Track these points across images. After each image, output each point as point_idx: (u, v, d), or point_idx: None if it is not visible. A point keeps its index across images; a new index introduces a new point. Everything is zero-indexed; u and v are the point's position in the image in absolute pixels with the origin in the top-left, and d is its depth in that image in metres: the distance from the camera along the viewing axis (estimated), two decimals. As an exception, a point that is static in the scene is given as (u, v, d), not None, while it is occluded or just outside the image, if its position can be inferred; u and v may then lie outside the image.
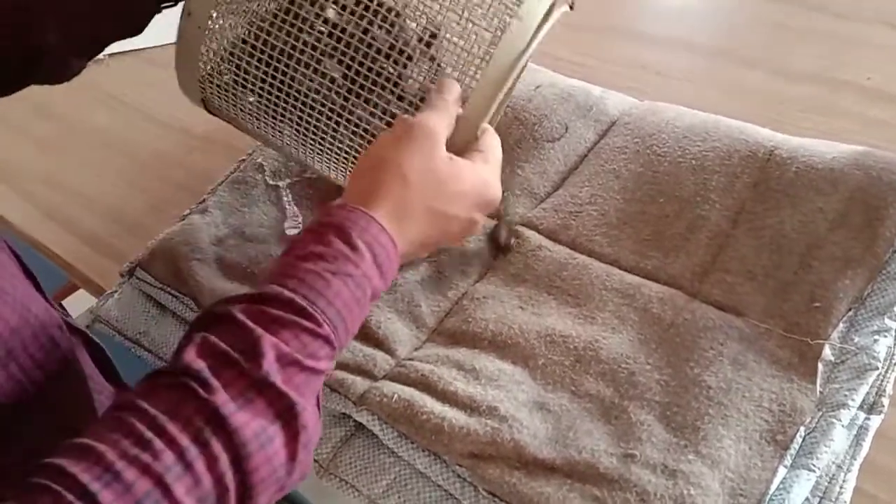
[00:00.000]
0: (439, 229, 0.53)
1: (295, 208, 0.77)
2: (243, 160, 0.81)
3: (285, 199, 0.77)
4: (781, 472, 0.53)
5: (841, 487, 0.53)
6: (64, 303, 1.38)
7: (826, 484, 0.53)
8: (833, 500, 0.52)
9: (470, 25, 0.56)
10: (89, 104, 1.04)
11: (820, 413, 0.55)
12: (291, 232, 0.74)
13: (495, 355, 0.63)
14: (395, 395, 0.59)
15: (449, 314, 0.67)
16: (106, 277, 0.78)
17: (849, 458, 0.54)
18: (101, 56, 1.11)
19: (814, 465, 0.53)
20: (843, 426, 0.54)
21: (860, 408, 0.56)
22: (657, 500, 0.51)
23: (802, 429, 0.54)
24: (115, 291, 0.74)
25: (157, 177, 0.90)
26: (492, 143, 0.56)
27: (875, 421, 0.56)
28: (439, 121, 0.53)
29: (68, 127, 1.00)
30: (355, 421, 0.60)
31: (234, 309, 0.43)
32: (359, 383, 0.61)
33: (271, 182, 0.79)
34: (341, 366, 0.62)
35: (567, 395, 0.59)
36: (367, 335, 0.65)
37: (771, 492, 0.51)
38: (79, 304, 0.74)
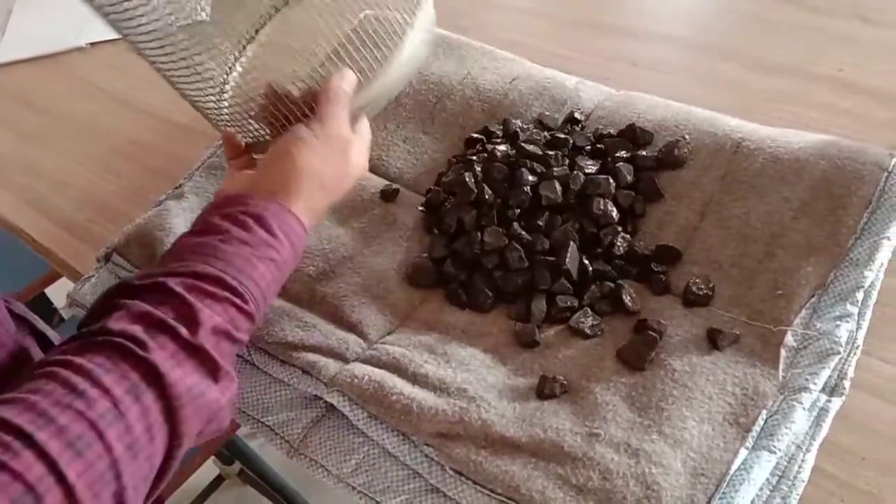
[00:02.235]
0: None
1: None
2: (220, 145, 0.82)
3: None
4: (743, 453, 0.53)
5: (799, 467, 0.54)
6: (49, 290, 1.39)
7: (785, 463, 0.54)
8: (791, 479, 0.53)
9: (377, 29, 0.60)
10: (70, 93, 1.04)
11: (782, 397, 0.56)
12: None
13: (467, 342, 0.64)
14: (366, 377, 0.59)
15: (423, 301, 0.68)
16: (84, 262, 0.79)
17: (808, 439, 0.55)
18: (82, 44, 1.12)
19: (774, 447, 0.54)
20: (804, 409, 0.55)
21: (822, 390, 0.57)
22: (619, 479, 0.52)
23: (764, 412, 0.55)
24: (92, 276, 0.75)
25: (136, 163, 0.90)
26: (366, 127, 0.63)
27: (836, 403, 0.57)
28: (345, 120, 0.59)
29: (49, 115, 1.01)
30: (326, 402, 0.61)
31: (170, 282, 0.47)
32: (331, 365, 0.61)
33: (248, 169, 0.79)
34: (314, 348, 0.63)
35: (536, 379, 0.59)
36: (341, 318, 0.66)
37: (732, 472, 0.52)
38: (63, 291, 0.75)
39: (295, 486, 1.33)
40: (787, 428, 0.54)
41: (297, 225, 0.54)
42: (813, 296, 0.61)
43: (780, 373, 0.57)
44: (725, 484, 0.52)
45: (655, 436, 0.54)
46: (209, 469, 1.41)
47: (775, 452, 0.53)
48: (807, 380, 0.56)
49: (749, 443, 0.54)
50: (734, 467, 0.53)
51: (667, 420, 0.55)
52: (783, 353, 0.58)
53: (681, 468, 0.53)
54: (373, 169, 0.79)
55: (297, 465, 0.60)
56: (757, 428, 0.55)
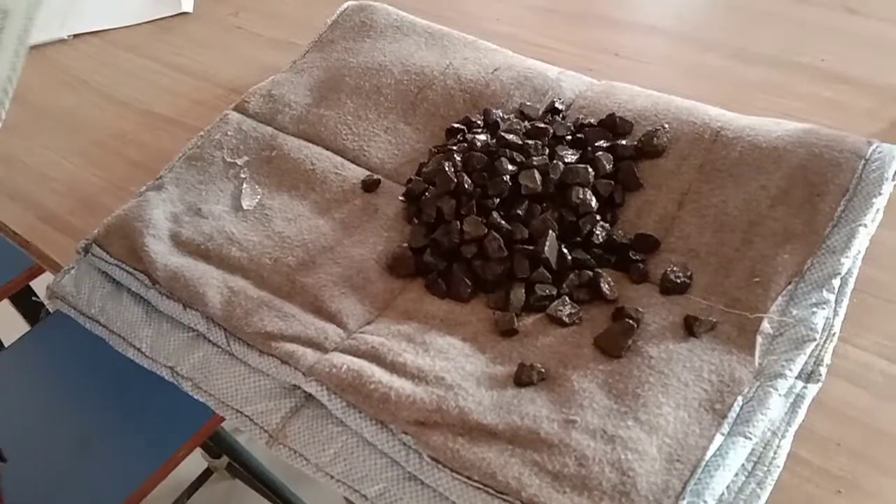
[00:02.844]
0: None
1: (254, 186, 0.77)
2: (201, 136, 0.81)
3: (243, 176, 0.78)
4: (718, 439, 0.54)
5: (775, 453, 0.54)
6: (35, 282, 1.39)
7: (761, 449, 0.54)
8: (767, 464, 0.53)
9: None
10: (53, 85, 1.03)
11: (758, 383, 0.57)
12: (249, 208, 0.75)
13: (446, 331, 0.64)
14: (345, 366, 0.59)
15: (403, 291, 0.68)
16: (65, 255, 0.79)
17: (784, 425, 0.55)
18: (65, 36, 1.11)
19: (750, 433, 0.54)
20: (780, 395, 0.56)
21: (798, 377, 0.57)
22: (595, 465, 0.52)
23: (740, 398, 0.56)
24: (72, 268, 0.74)
25: (118, 156, 0.90)
26: None
27: (812, 389, 0.57)
28: None
29: (32, 107, 1.00)
30: (304, 392, 0.61)
31: None
32: (309, 355, 0.61)
33: (229, 159, 0.79)
34: (292, 338, 0.63)
35: (514, 367, 0.60)
36: (320, 309, 0.66)
37: (707, 458, 0.53)
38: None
39: (283, 478, 1.33)
40: (762, 414, 0.54)
41: None
42: (789, 283, 0.61)
43: (756, 359, 0.58)
44: (701, 469, 0.52)
45: (631, 422, 0.54)
46: (197, 462, 1.41)
47: (751, 438, 0.54)
48: (783, 366, 0.57)
49: (725, 429, 0.54)
50: (710, 453, 0.53)
51: (643, 406, 0.55)
52: (759, 340, 0.58)
53: (656, 454, 0.53)
54: (354, 159, 0.79)
55: (278, 455, 0.60)
56: (733, 414, 0.55)
